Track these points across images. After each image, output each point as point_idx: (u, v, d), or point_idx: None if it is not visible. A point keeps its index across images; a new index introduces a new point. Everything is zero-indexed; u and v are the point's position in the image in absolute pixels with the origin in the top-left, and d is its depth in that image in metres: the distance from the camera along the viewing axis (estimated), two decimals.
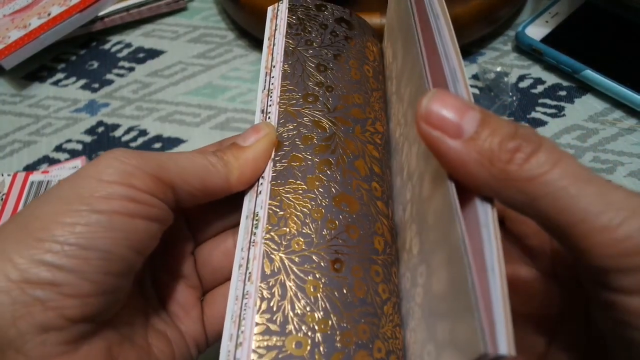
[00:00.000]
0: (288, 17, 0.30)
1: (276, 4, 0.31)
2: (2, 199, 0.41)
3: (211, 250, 0.27)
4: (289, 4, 0.31)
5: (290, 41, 0.29)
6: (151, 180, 0.21)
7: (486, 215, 0.17)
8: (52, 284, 0.19)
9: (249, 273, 0.22)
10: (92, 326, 0.20)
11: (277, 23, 0.30)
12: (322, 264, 0.23)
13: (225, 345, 0.21)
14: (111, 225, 0.20)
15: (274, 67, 0.28)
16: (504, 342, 0.14)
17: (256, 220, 0.24)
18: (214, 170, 0.24)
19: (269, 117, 0.27)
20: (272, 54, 0.29)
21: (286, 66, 0.28)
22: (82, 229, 0.19)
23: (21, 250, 0.19)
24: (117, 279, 0.21)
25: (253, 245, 0.23)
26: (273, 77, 0.28)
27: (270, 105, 0.27)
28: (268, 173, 0.25)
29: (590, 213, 0.16)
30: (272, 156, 0.26)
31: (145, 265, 0.24)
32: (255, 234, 0.23)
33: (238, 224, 0.24)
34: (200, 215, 0.27)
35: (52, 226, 0.19)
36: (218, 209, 0.27)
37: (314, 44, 0.30)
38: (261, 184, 0.25)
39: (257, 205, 0.24)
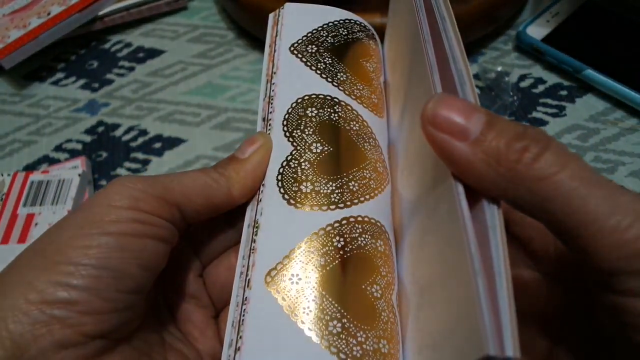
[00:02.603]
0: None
1: (277, 11, 0.31)
2: (2, 199, 0.41)
3: (216, 268, 0.28)
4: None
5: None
6: (157, 202, 0.23)
7: (493, 217, 0.17)
8: (69, 303, 0.20)
9: (249, 280, 0.22)
10: (109, 342, 0.21)
11: (277, 30, 0.30)
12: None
13: (226, 351, 0.21)
14: (121, 246, 0.21)
15: (274, 74, 0.28)
16: (510, 345, 0.14)
17: (256, 227, 0.24)
18: (216, 186, 0.25)
19: (270, 125, 0.27)
20: (273, 61, 0.29)
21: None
22: (94, 250, 0.21)
23: (39, 273, 0.20)
24: (129, 297, 0.22)
25: (253, 252, 0.23)
26: (274, 84, 0.28)
27: (271, 112, 0.27)
28: (268, 180, 0.25)
29: (600, 215, 0.16)
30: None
31: (158, 289, 0.26)
32: (255, 241, 0.23)
33: (239, 241, 0.25)
34: (203, 237, 0.28)
35: (67, 250, 0.21)
36: (220, 229, 0.28)
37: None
38: (262, 191, 0.25)
39: (257, 212, 0.24)
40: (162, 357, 0.24)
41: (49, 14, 0.50)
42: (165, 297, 0.27)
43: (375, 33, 0.33)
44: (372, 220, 0.25)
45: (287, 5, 0.31)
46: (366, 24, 0.33)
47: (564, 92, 0.47)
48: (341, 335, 0.21)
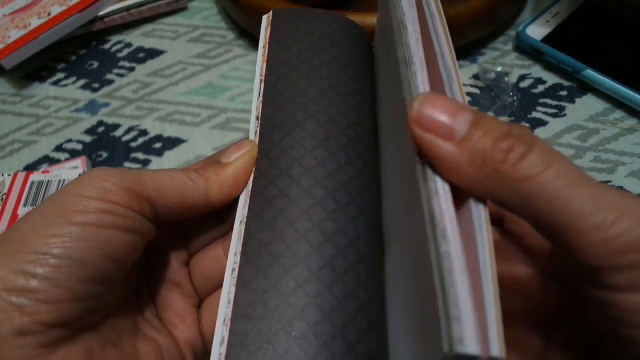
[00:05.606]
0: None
1: (270, 13, 0.31)
2: (2, 199, 0.41)
3: (202, 259, 0.28)
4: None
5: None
6: (127, 194, 0.23)
7: (479, 216, 0.17)
8: (28, 291, 0.20)
9: None
10: (70, 331, 0.21)
11: (270, 31, 0.30)
12: None
13: (216, 348, 0.21)
14: (84, 236, 0.21)
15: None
16: (496, 344, 0.14)
17: None
18: (192, 186, 0.25)
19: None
20: (266, 62, 0.29)
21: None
22: (55, 239, 0.21)
23: (3, 261, 0.21)
24: (93, 286, 0.22)
25: None
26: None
27: None
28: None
29: (584, 213, 0.16)
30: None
31: (141, 276, 0.26)
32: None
33: (227, 233, 0.25)
34: (193, 228, 0.28)
35: (30, 238, 0.21)
36: (210, 220, 0.28)
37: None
38: None
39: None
40: (132, 345, 0.24)
41: (49, 14, 0.50)
42: (149, 283, 0.27)
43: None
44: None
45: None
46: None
47: (563, 92, 0.47)
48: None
